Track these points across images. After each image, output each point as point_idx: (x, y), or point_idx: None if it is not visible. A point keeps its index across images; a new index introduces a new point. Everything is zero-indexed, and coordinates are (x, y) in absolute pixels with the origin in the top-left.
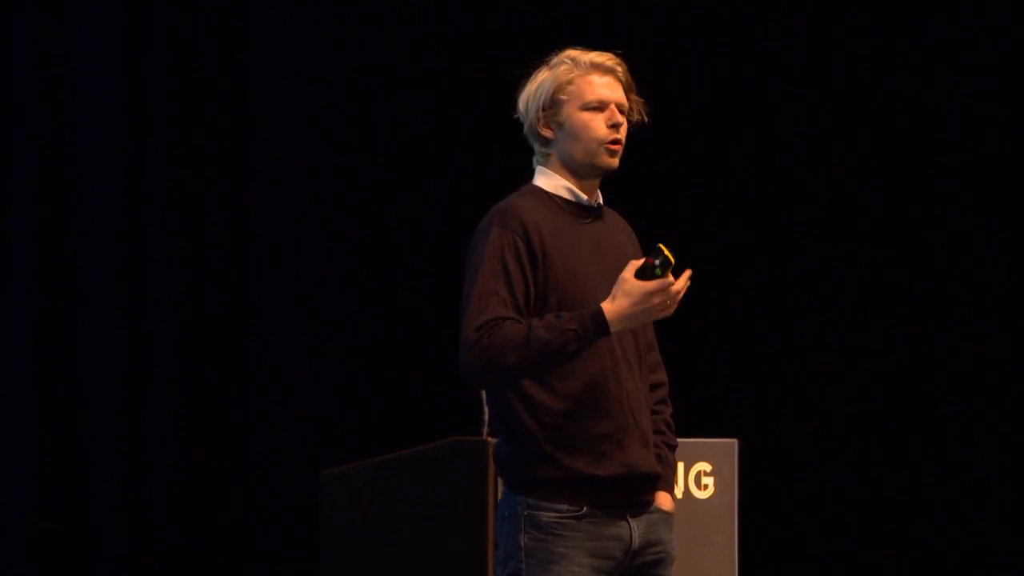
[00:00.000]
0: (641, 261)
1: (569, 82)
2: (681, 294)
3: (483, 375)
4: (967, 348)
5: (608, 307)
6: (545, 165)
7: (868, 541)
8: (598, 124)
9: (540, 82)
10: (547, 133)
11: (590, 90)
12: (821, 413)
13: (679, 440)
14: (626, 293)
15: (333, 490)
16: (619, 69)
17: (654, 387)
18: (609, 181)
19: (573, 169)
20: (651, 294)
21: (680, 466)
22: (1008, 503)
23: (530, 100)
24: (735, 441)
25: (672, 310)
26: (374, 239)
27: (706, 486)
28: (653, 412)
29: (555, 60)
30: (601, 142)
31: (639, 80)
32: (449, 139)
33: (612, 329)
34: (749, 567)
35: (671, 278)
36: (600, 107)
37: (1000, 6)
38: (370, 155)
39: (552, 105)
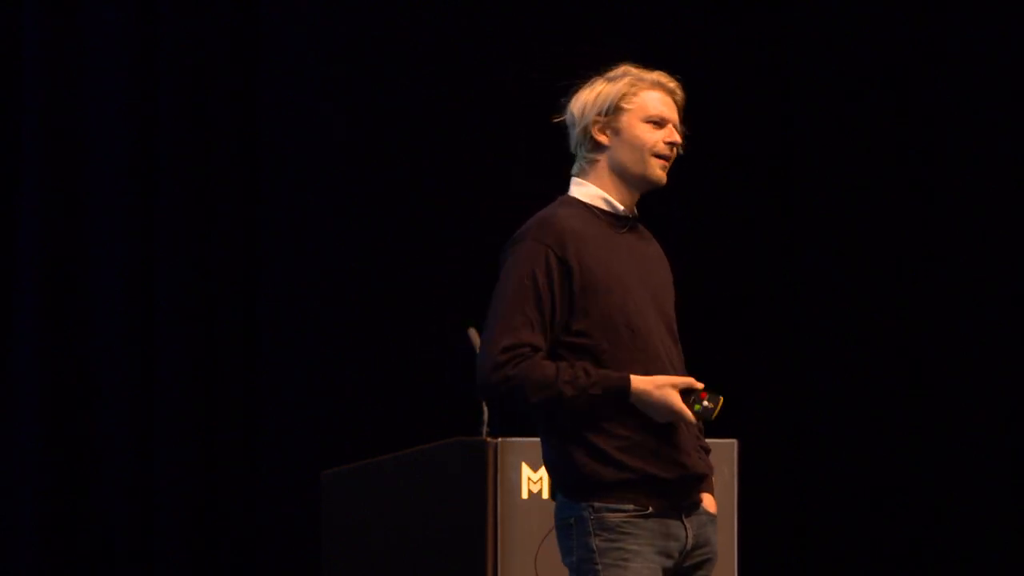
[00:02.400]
0: (699, 386)
1: (634, 93)
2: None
3: (502, 401)
4: (967, 348)
5: (637, 386)
6: (584, 175)
7: (868, 541)
8: (656, 138)
9: (601, 90)
10: (602, 139)
11: (653, 105)
12: (821, 413)
13: None
14: (660, 391)
15: (333, 490)
16: (679, 93)
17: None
18: None
19: (623, 177)
20: (673, 411)
21: None
22: (1008, 503)
23: (588, 106)
24: (735, 441)
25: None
26: (375, 241)
27: None
28: None
29: (615, 73)
30: (656, 155)
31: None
32: (452, 143)
33: (629, 400)
34: (749, 567)
35: (693, 418)
36: (660, 123)
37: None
38: (370, 158)
39: (613, 112)
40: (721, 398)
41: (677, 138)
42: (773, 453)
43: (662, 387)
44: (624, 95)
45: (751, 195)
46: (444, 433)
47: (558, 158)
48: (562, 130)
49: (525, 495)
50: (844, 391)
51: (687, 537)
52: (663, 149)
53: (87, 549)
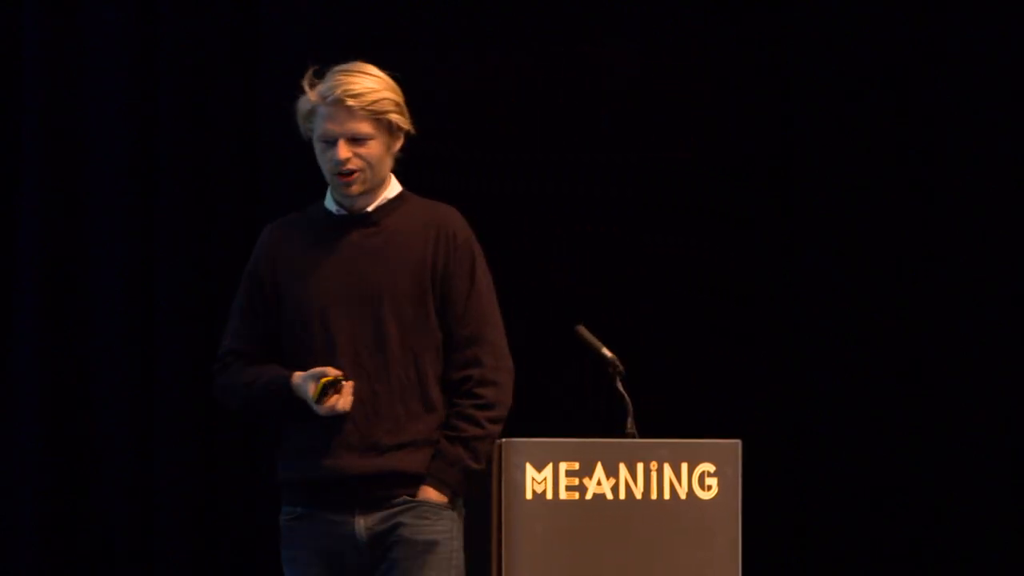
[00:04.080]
0: (331, 373)
1: (311, 112)
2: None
3: (222, 404)
4: (967, 348)
5: (294, 380)
6: None
7: (868, 541)
8: (327, 158)
9: (298, 104)
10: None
11: (320, 125)
12: (824, 413)
13: (681, 441)
14: (303, 383)
15: None
16: (349, 100)
17: (460, 382)
18: (611, 175)
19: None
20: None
21: (683, 466)
22: (1008, 503)
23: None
24: (738, 442)
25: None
26: None
27: (709, 487)
28: (450, 405)
29: (306, 87)
30: (332, 174)
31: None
32: (452, 143)
33: (295, 394)
34: (752, 568)
35: (314, 396)
36: (330, 141)
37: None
38: None
39: (306, 132)
40: (323, 380)
41: (341, 155)
42: (773, 453)
43: (305, 378)
44: (303, 117)
45: (751, 195)
46: None
47: (559, 158)
48: (561, 130)
49: (529, 495)
50: (844, 391)
51: (357, 532)
52: (332, 167)
53: (87, 549)
